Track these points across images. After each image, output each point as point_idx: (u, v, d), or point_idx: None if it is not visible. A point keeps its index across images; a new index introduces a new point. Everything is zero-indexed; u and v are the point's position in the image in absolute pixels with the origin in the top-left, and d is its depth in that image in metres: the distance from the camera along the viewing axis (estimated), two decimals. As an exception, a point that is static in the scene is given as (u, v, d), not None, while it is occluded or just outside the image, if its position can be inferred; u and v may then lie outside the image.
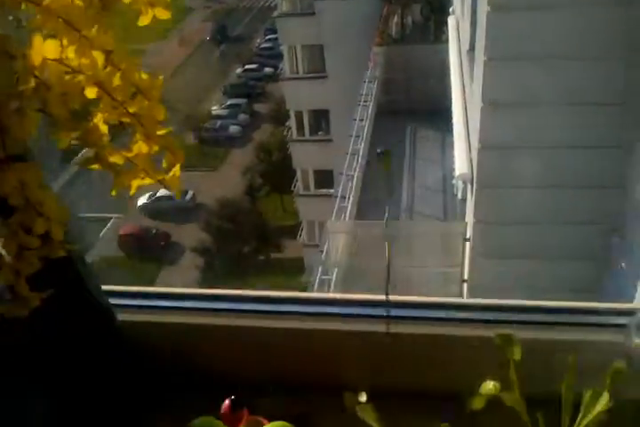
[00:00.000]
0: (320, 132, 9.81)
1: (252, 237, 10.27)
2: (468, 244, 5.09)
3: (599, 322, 0.68)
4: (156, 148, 0.51)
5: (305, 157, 9.40)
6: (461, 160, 6.05)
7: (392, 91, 8.02)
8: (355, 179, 6.82)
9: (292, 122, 9.94)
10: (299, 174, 9.73)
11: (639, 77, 2.63)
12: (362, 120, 7.08)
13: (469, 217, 6.25)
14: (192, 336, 0.76)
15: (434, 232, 5.95)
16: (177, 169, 0.54)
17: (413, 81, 8.00)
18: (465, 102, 5.45)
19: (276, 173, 11.08)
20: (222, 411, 0.67)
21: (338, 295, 0.78)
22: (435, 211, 6.96)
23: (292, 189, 10.02)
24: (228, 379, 0.70)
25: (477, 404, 0.61)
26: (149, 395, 0.74)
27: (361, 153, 6.91)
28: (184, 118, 13.26)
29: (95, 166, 0.51)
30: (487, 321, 0.63)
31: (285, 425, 0.67)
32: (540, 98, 3.23)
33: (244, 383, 0.67)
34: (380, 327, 0.59)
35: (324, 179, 9.42)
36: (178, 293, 0.79)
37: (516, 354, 0.61)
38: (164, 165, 0.54)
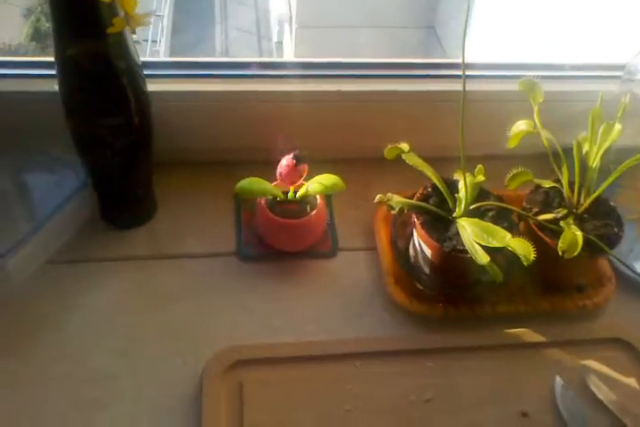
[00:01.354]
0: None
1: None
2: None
3: (597, 75, 0.79)
4: None
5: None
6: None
7: None
8: (165, 19, 6.33)
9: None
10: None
11: None
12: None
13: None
14: (211, 104, 0.72)
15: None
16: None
17: None
18: None
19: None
20: (282, 168, 0.66)
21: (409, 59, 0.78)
22: (251, 54, 6.79)
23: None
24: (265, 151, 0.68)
25: (512, 143, 0.67)
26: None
27: (169, -10, 6.37)
28: None
29: None
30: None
31: (336, 178, 0.68)
32: None
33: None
34: (455, 86, 0.61)
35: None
36: (198, 61, 0.73)
37: (539, 97, 0.67)
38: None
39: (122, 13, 0.48)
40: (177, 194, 0.74)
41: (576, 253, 0.60)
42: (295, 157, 0.65)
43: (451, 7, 4.39)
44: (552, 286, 0.69)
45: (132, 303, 0.65)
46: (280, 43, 6.47)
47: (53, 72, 0.58)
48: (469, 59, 0.58)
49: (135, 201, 0.70)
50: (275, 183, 0.68)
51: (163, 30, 6.26)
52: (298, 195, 0.67)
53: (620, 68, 0.74)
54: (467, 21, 0.57)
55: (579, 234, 0.60)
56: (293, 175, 0.65)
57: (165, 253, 0.70)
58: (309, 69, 0.75)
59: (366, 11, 4.91)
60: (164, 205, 0.73)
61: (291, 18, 5.54)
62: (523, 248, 0.57)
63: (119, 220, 0.71)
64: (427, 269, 0.66)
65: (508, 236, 0.58)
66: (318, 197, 0.69)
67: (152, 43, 6.29)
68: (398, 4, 4.93)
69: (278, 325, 0.65)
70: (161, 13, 6.31)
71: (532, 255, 0.56)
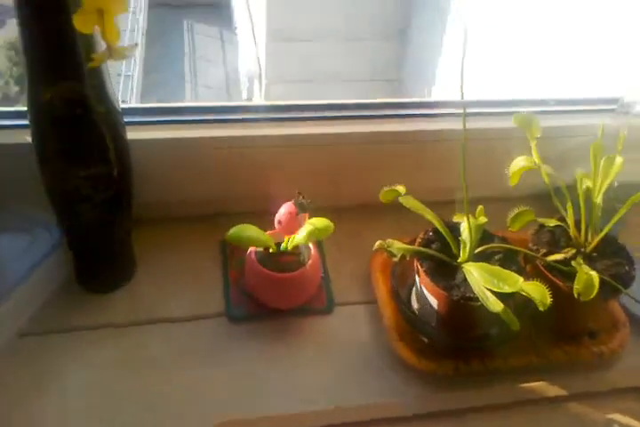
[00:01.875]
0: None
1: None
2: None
3: (591, 109, 0.76)
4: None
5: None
6: (247, 56, 5.96)
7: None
8: (135, 79, 6.40)
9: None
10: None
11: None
12: (134, 13, 6.55)
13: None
14: (196, 152, 0.68)
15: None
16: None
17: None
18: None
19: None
20: (282, 216, 0.60)
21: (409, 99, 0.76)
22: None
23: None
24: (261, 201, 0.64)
25: (513, 181, 0.64)
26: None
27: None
28: None
29: None
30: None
31: (327, 221, 0.63)
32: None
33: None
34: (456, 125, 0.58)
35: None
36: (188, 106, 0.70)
37: (536, 132, 0.64)
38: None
39: (102, 48, 0.44)
40: (158, 251, 0.69)
41: (593, 295, 0.55)
42: (298, 205, 0.60)
43: (418, 62, 4.47)
44: (564, 333, 0.65)
45: (112, 378, 0.59)
46: (250, 99, 6.54)
47: (25, 122, 0.54)
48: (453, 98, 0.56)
49: (114, 260, 0.65)
50: (268, 232, 0.63)
51: (132, 89, 6.29)
52: (290, 245, 0.62)
53: (611, 101, 0.72)
54: (463, 58, 0.55)
55: (593, 274, 0.56)
56: (293, 224, 0.60)
57: (147, 319, 0.64)
58: (290, 112, 0.72)
59: (334, 67, 5.01)
60: (143, 263, 0.68)
61: (260, 75, 5.61)
62: (538, 292, 0.53)
63: (96, 281, 0.65)
64: (433, 321, 0.61)
65: (521, 280, 0.54)
66: (312, 246, 0.64)
67: (122, 102, 6.32)
68: (365, 60, 5.03)
69: (275, 391, 0.59)
70: (130, 73, 6.36)
71: (549, 300, 0.52)
